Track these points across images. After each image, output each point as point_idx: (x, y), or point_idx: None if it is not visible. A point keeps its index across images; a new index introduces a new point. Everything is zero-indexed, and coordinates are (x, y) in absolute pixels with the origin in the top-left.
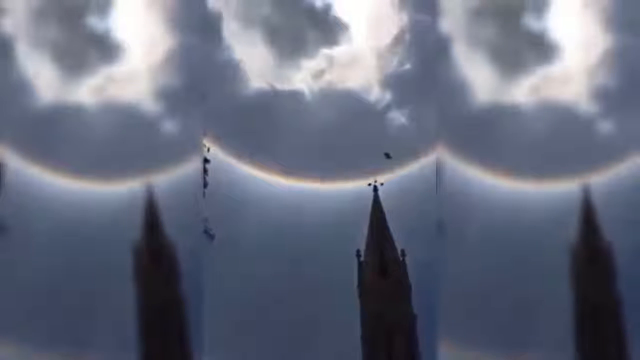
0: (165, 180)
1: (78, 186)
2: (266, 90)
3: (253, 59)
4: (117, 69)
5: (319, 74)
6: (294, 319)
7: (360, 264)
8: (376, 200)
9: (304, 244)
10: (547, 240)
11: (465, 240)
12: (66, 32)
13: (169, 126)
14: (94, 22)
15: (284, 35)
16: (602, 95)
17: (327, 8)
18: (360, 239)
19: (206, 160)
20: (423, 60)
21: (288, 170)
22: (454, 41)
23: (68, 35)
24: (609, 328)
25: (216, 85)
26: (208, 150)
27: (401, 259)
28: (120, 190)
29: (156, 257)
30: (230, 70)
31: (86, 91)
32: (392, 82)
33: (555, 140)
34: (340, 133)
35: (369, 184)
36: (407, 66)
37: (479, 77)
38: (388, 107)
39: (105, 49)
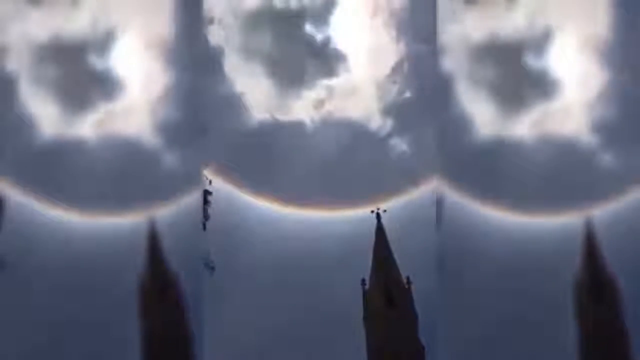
0: (168, 213)
1: (79, 220)
2: (268, 120)
3: (254, 91)
4: (117, 105)
5: (319, 104)
6: (298, 349)
7: (365, 293)
8: (380, 228)
9: (308, 273)
10: (550, 273)
11: (466, 272)
12: (67, 70)
13: (170, 159)
14: (94, 60)
15: (284, 67)
16: (602, 129)
17: (327, 40)
18: (365, 268)
19: (207, 192)
20: (422, 89)
21: (291, 199)
22: (456, 76)
23: (69, 73)
24: None
25: (218, 117)
26: (210, 182)
27: (407, 287)
28: (123, 223)
29: (161, 291)
30: (232, 103)
31: (87, 126)
32: (392, 110)
33: (556, 173)
34: (342, 161)
35: (372, 212)
36: (407, 95)
37: (480, 112)
38: (389, 135)
39: (105, 85)
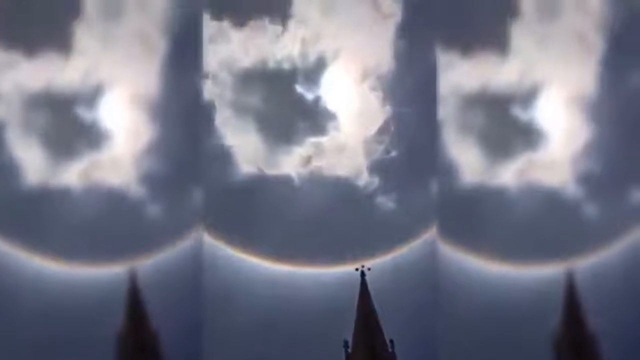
0: (150, 265)
1: (59, 270)
2: (255, 175)
3: (244, 146)
4: (103, 155)
5: (307, 161)
6: None
7: (347, 356)
8: (364, 286)
9: (292, 332)
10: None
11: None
12: (56, 120)
13: (154, 211)
14: (82, 111)
15: (275, 123)
16: (586, 181)
17: (317, 100)
18: (349, 327)
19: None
20: (408, 148)
21: (275, 254)
22: (445, 127)
23: (57, 123)
24: None
25: (206, 169)
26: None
27: (390, 350)
28: (104, 275)
29: (140, 347)
30: (221, 155)
31: (72, 175)
32: (380, 168)
33: (540, 223)
34: (328, 217)
35: (357, 269)
36: (393, 154)
37: (468, 161)
38: (376, 192)
39: (92, 136)
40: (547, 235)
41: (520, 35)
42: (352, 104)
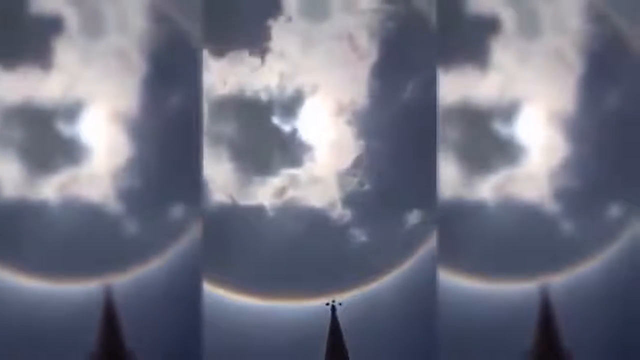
0: (125, 282)
1: (34, 285)
2: (228, 204)
3: (218, 174)
4: (82, 170)
5: (281, 191)
6: None
7: None
8: (334, 322)
9: None
10: (504, 342)
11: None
12: (34, 134)
13: (131, 227)
14: (61, 126)
15: (249, 153)
16: (564, 198)
17: (293, 131)
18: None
19: None
20: (381, 182)
21: (244, 286)
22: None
23: (36, 137)
24: None
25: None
26: None
27: None
28: (79, 291)
29: None
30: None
31: (50, 189)
32: (353, 201)
33: (516, 238)
34: (301, 248)
35: (327, 304)
36: (367, 187)
37: (445, 175)
38: (349, 225)
39: (70, 151)
40: (523, 250)
41: (501, 51)
42: (327, 137)
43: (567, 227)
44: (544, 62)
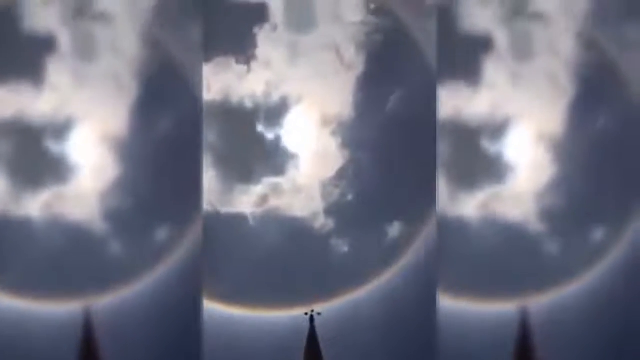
0: (106, 303)
1: (14, 304)
2: (209, 212)
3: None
4: (68, 189)
5: (264, 200)
6: None
7: None
8: (312, 332)
9: None
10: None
11: None
12: (22, 150)
13: (115, 248)
14: (50, 143)
15: (232, 160)
16: (550, 218)
17: (277, 139)
18: None
19: None
20: (362, 192)
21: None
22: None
23: (24, 152)
24: None
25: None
26: None
27: None
28: (59, 311)
29: None
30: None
31: (35, 206)
32: (336, 211)
33: (500, 257)
34: (282, 258)
35: (306, 314)
36: (350, 197)
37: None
38: (331, 235)
39: (58, 169)
40: (505, 269)
41: (493, 70)
42: (311, 146)
43: (551, 248)
44: (536, 83)
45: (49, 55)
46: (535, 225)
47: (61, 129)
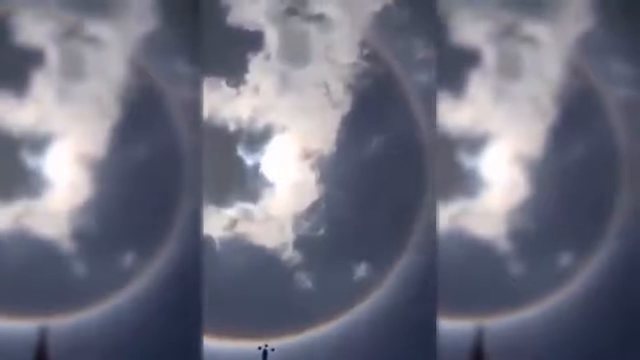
0: (64, 324)
1: None
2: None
3: None
4: (39, 204)
5: (233, 224)
6: None
7: None
8: None
9: None
10: None
11: None
12: None
13: (80, 269)
14: (26, 156)
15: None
16: (517, 238)
17: (256, 166)
18: None
19: None
20: (334, 229)
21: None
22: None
23: None
24: None
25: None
26: None
27: None
28: (14, 328)
29: None
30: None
31: (2, 217)
32: (305, 245)
33: (462, 274)
34: (244, 286)
35: (259, 348)
36: (321, 232)
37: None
38: (297, 269)
39: (31, 183)
40: (465, 287)
41: (477, 86)
42: (288, 177)
43: (516, 268)
44: (518, 103)
45: (35, 70)
46: (503, 244)
47: (39, 143)
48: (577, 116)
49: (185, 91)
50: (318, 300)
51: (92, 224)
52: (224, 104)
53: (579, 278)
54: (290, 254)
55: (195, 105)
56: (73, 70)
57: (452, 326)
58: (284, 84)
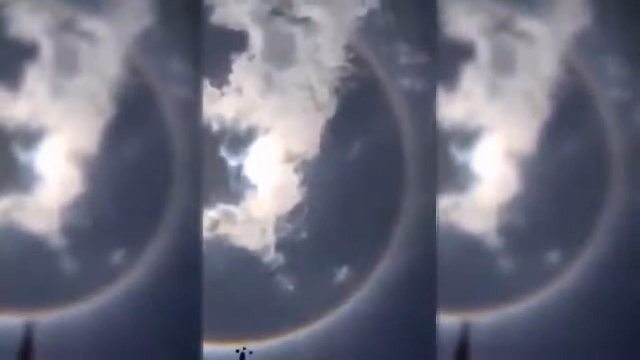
0: (50, 320)
1: None
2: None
3: None
4: (30, 199)
5: (215, 225)
6: None
7: None
8: None
9: None
10: None
11: None
12: None
13: (69, 265)
14: (18, 150)
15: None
16: (507, 234)
17: (239, 167)
18: None
19: None
20: (317, 232)
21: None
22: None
23: None
24: None
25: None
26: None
27: None
28: (1, 323)
29: None
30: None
31: None
32: (287, 247)
33: (451, 268)
34: (223, 289)
35: (237, 351)
36: (304, 235)
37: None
38: (278, 271)
39: (22, 178)
40: (453, 281)
41: (470, 80)
42: (272, 180)
43: (504, 264)
44: (512, 99)
45: (29, 63)
46: (492, 240)
47: (31, 138)
48: (570, 113)
49: (180, 90)
50: (300, 302)
51: (83, 221)
52: (207, 104)
53: (568, 275)
54: (272, 257)
55: (190, 105)
56: (67, 65)
57: (441, 321)
58: (268, 85)
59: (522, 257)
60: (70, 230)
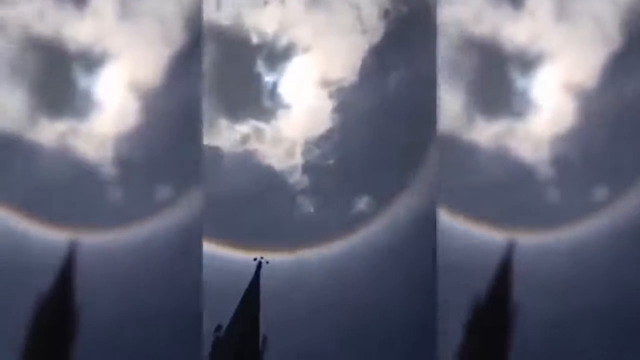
0: (95, 241)
1: (12, 221)
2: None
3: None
4: (85, 125)
5: (243, 140)
6: None
7: (216, 339)
8: (256, 277)
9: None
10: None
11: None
12: (47, 72)
13: (117, 193)
14: (79, 72)
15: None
16: (558, 165)
17: (274, 84)
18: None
19: None
20: (343, 161)
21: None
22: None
23: (48, 76)
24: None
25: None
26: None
27: (262, 347)
28: (46, 237)
29: (58, 318)
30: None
31: (48, 133)
32: (312, 171)
33: (505, 189)
34: (246, 201)
35: (255, 259)
36: (330, 161)
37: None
38: (300, 193)
39: (80, 102)
40: (503, 202)
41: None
42: (305, 101)
43: (554, 193)
44: (579, 23)
45: None
46: (544, 169)
47: (93, 63)
48: None
49: None
50: (318, 224)
51: (135, 152)
52: (249, 11)
53: (613, 211)
54: (297, 178)
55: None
56: None
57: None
58: (314, 1)
59: (570, 188)
60: (121, 161)
